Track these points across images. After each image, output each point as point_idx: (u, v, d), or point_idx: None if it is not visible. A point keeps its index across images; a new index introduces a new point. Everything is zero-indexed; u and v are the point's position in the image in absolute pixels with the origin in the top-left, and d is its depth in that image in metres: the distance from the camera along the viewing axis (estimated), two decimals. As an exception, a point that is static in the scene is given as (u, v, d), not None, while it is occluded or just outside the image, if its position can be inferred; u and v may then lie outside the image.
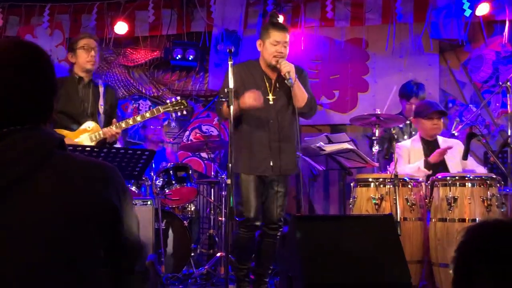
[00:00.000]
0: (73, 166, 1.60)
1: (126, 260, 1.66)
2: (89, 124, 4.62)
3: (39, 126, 1.61)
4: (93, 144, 4.49)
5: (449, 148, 4.87)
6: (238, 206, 4.51)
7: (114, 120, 4.66)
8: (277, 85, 4.63)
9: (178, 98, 4.98)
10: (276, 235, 4.61)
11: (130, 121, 4.71)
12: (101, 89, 4.76)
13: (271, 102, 4.60)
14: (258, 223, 4.62)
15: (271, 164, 4.59)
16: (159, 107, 4.84)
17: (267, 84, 4.64)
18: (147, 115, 4.75)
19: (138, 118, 4.74)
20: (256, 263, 4.81)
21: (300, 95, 4.60)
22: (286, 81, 4.46)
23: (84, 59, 4.66)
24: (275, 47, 4.55)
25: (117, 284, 1.63)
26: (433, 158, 4.85)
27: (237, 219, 4.47)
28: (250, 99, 4.46)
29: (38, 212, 1.51)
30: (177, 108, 4.84)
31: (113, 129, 4.59)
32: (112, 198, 1.59)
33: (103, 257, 1.59)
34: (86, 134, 4.57)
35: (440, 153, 4.86)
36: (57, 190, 1.54)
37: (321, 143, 4.71)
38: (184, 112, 4.94)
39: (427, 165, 4.84)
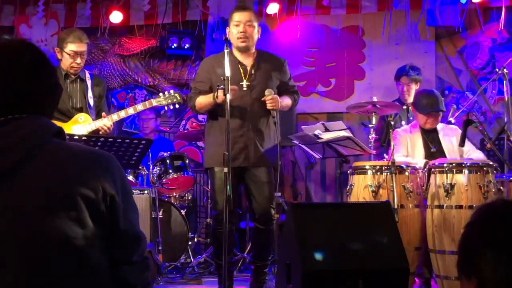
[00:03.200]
0: (68, 153, 1.60)
1: (124, 250, 1.66)
2: (81, 116, 4.61)
3: (37, 116, 1.61)
4: None
5: None
6: (211, 200, 4.40)
7: (104, 113, 4.65)
8: (252, 72, 4.50)
9: (172, 91, 4.95)
10: (268, 227, 4.44)
11: (122, 113, 4.71)
12: (89, 82, 4.74)
13: (245, 88, 4.44)
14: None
15: (248, 154, 4.42)
16: (152, 100, 4.82)
17: (241, 70, 4.48)
18: (139, 107, 4.74)
19: (130, 110, 4.73)
20: (253, 255, 4.70)
21: (286, 107, 4.61)
22: (271, 116, 4.40)
23: (69, 63, 4.63)
24: (237, 27, 4.48)
25: (115, 272, 1.63)
26: None
27: (210, 213, 4.34)
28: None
29: (33, 198, 1.52)
30: (169, 101, 4.82)
31: (106, 121, 4.57)
32: (108, 186, 1.59)
33: (101, 245, 1.58)
34: (78, 126, 4.56)
35: None
36: (52, 177, 1.54)
37: (318, 131, 4.69)
38: (177, 106, 4.93)
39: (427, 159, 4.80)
